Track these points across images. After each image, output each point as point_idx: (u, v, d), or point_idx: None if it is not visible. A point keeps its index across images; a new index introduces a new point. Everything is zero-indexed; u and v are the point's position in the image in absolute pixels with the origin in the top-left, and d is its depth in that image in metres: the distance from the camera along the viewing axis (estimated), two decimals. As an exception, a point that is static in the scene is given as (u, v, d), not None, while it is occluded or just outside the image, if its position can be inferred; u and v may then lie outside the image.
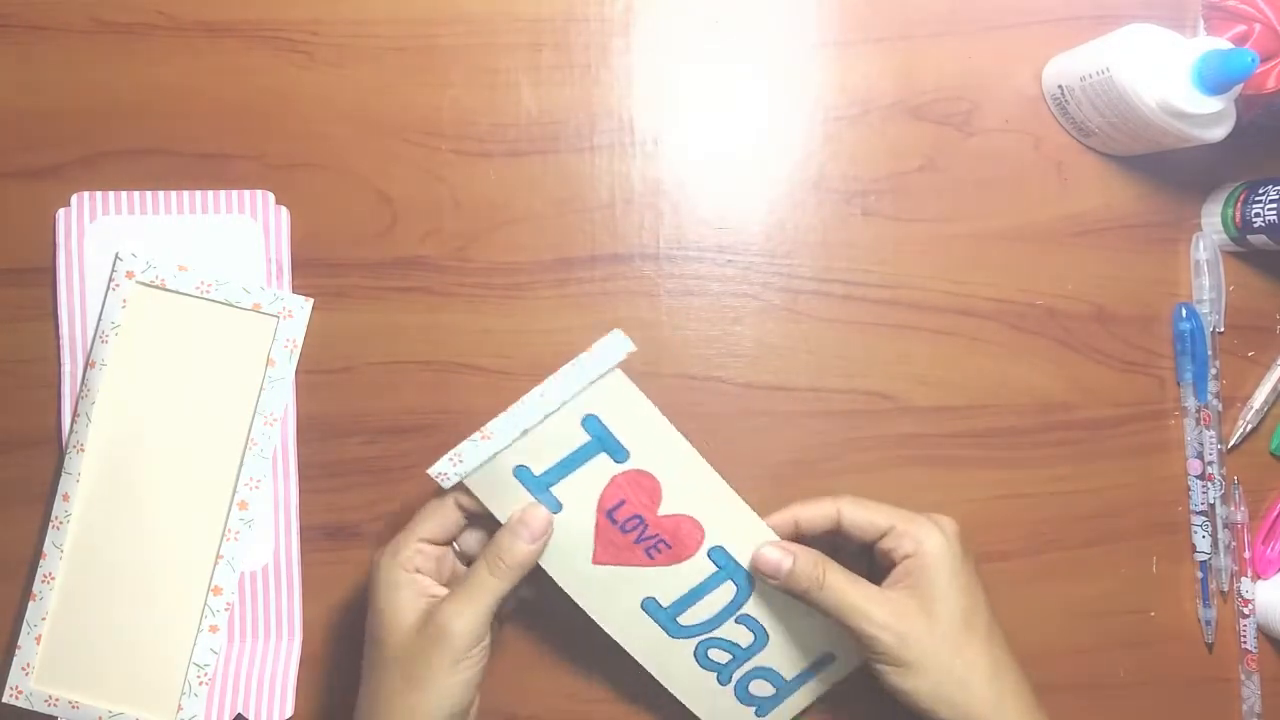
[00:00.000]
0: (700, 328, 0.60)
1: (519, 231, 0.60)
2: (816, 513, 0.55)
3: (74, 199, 0.59)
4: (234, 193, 0.59)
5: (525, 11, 0.60)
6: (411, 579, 0.51)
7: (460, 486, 0.52)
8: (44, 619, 0.57)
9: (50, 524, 0.57)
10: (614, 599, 0.54)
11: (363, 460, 0.60)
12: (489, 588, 0.51)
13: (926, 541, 0.52)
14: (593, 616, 0.54)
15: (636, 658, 0.55)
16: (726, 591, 0.54)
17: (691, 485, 0.53)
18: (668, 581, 0.54)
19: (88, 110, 0.59)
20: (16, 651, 0.57)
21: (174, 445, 0.58)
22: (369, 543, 0.60)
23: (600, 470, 0.52)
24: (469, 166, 0.60)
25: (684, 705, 0.57)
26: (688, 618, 0.55)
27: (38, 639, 0.57)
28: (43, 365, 0.59)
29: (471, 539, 0.54)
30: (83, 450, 0.57)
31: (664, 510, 0.53)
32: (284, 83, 0.59)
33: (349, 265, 0.60)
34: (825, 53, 0.61)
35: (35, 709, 0.57)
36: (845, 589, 0.52)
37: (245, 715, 0.58)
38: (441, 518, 0.53)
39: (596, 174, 0.60)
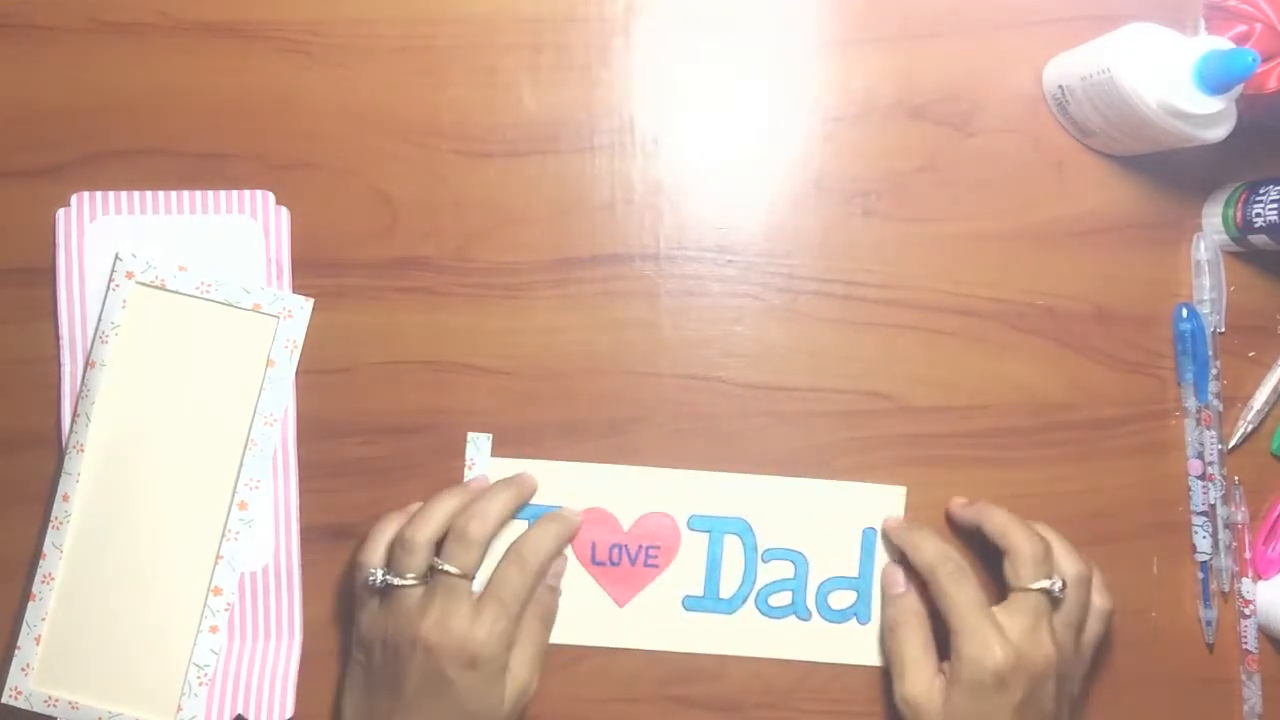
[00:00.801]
0: (700, 328, 0.60)
1: (519, 231, 0.60)
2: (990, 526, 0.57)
3: (74, 199, 0.59)
4: (234, 193, 0.59)
5: (525, 11, 0.60)
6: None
7: None
8: (43, 619, 0.57)
9: (50, 524, 0.57)
10: (662, 621, 0.56)
11: (363, 460, 0.59)
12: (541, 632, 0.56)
13: (962, 657, 0.52)
14: (669, 649, 0.56)
15: (732, 653, 0.56)
16: (735, 544, 0.56)
17: (625, 490, 0.56)
18: (685, 573, 0.55)
19: (88, 110, 0.59)
20: (16, 652, 0.57)
21: (174, 445, 0.58)
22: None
23: None
24: (469, 166, 0.60)
25: (792, 660, 0.57)
26: (726, 589, 0.56)
27: (37, 639, 0.57)
28: (43, 365, 0.59)
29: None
30: (83, 450, 0.57)
31: (627, 524, 0.55)
32: (284, 83, 0.59)
33: (349, 265, 0.59)
34: (825, 53, 0.61)
35: (35, 709, 0.57)
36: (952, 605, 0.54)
37: (245, 715, 0.58)
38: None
39: (597, 174, 0.60)
